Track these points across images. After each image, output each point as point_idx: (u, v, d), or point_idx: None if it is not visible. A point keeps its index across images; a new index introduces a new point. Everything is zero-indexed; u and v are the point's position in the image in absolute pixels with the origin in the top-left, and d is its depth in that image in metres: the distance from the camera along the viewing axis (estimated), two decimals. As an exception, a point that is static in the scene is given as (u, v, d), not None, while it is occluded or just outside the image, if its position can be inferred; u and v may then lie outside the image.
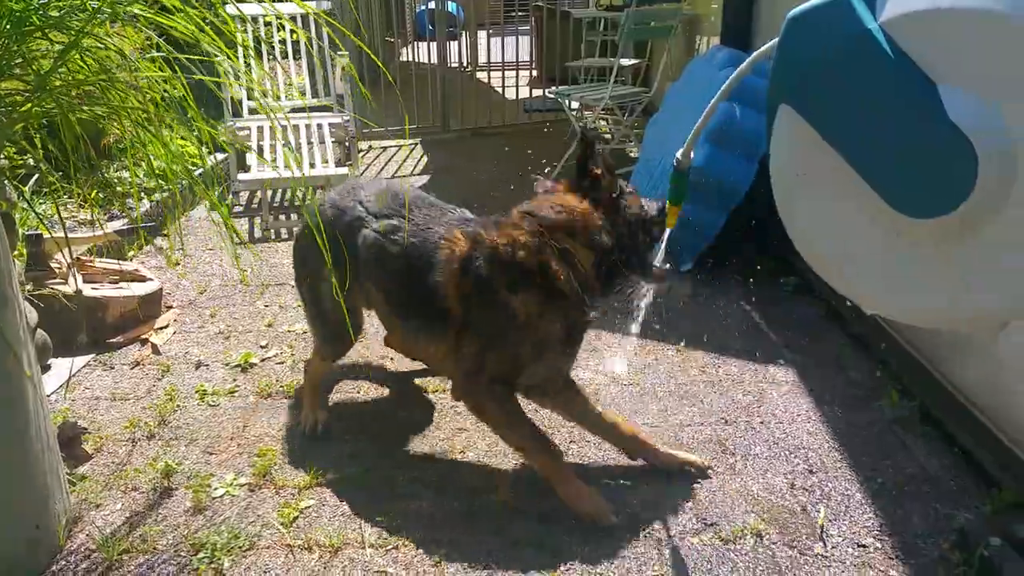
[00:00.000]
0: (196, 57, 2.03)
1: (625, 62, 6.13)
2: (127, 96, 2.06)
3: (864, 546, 2.24)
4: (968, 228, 1.43)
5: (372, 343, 3.47)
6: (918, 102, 1.43)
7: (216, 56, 2.02)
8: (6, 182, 3.56)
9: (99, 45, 1.96)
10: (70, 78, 2.01)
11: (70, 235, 4.13)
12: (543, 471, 2.41)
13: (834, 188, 1.61)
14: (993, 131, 1.34)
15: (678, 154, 2.13)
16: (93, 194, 3.10)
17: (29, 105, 1.96)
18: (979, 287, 1.46)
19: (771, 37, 1.70)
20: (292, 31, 3.08)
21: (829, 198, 1.64)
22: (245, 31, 5.41)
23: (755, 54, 1.91)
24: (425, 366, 3.24)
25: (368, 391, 3.11)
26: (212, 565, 2.18)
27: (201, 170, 3.63)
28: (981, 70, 1.36)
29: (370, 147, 7.25)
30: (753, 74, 2.01)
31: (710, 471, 2.56)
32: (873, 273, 1.62)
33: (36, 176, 4.03)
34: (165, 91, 2.04)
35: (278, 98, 5.91)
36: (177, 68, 2.02)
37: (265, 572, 2.16)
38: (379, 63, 2.37)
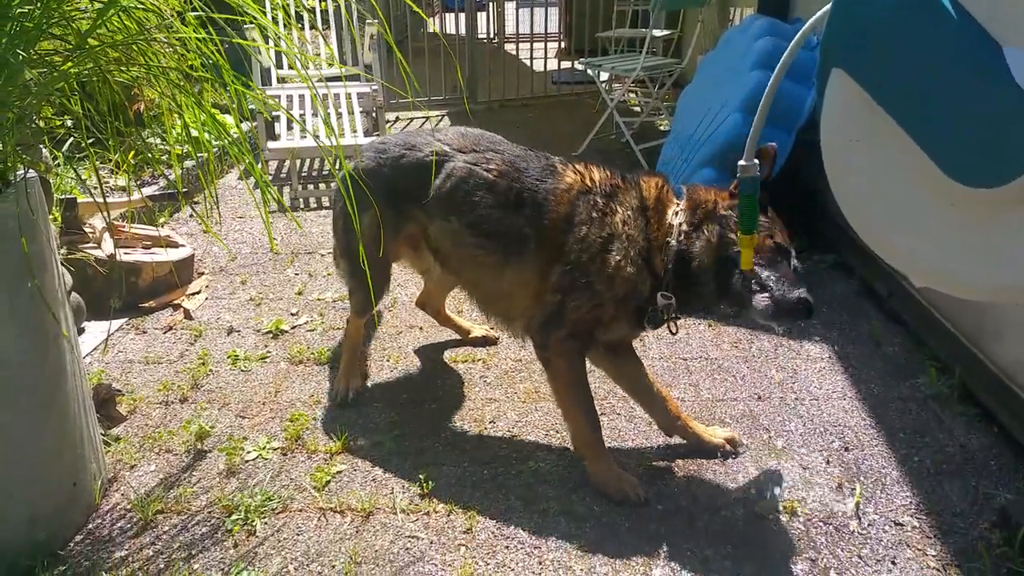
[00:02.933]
0: (232, 17, 2.00)
1: (657, 32, 6.03)
2: (165, 57, 2.05)
3: (901, 525, 2.21)
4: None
5: (402, 313, 3.46)
6: (981, 65, 1.37)
7: (252, 17, 1.99)
8: (43, 147, 3.58)
9: (138, 5, 1.95)
10: (108, 38, 2.00)
11: (106, 200, 4.15)
12: (580, 443, 2.39)
13: (887, 156, 1.57)
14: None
15: (741, 161, 2.03)
16: (128, 159, 3.11)
17: (69, 64, 1.95)
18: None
19: (808, 5, 1.65)
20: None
21: (881, 166, 1.59)
22: (276, -2, 5.39)
23: (806, 26, 1.85)
24: (457, 335, 3.23)
25: (399, 360, 3.11)
26: (245, 527, 2.19)
27: (236, 136, 3.62)
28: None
29: (397, 118, 7.21)
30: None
31: (744, 448, 2.53)
32: (925, 244, 1.57)
33: (71, 140, 4.04)
34: (201, 51, 2.02)
35: (306, 67, 5.88)
36: (212, 30, 2.00)
37: (298, 534, 2.17)
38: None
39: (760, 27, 4.20)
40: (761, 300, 2.13)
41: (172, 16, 2.09)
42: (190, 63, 2.05)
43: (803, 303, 2.11)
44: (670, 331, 2.35)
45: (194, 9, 2.05)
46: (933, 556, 2.10)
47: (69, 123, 3.32)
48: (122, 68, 2.07)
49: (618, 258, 2.25)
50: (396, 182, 2.54)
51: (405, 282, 3.68)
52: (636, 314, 2.32)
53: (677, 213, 2.30)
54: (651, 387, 2.54)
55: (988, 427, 2.59)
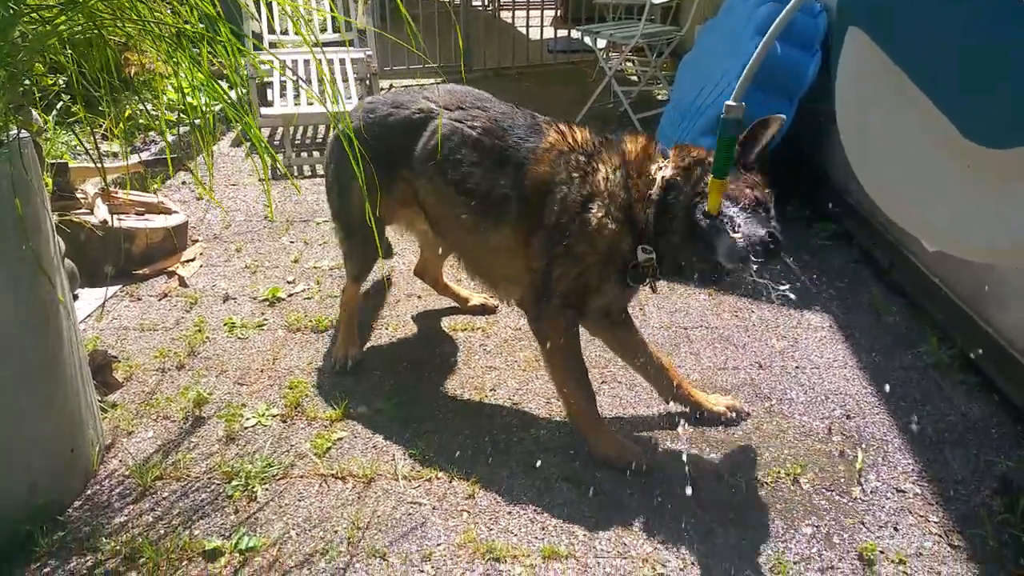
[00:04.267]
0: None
1: (656, 0, 5.94)
2: (159, 12, 1.99)
3: (903, 491, 2.21)
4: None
5: (401, 282, 3.43)
6: (1003, 22, 1.34)
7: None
8: (32, 110, 3.51)
9: (132, -42, 1.89)
10: (103, -7, 1.94)
11: (97, 166, 4.09)
12: (575, 416, 2.38)
13: (903, 117, 1.54)
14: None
15: (728, 101, 1.97)
16: (123, 120, 3.05)
17: (60, 19, 1.90)
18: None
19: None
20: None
21: (897, 128, 1.57)
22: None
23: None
24: (456, 303, 3.20)
25: (398, 329, 3.08)
26: (246, 493, 2.18)
27: (234, 98, 3.53)
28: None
29: (391, 85, 7.12)
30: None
31: (746, 415, 2.53)
32: (939, 207, 1.55)
33: (60, 104, 3.97)
34: (197, 5, 1.97)
35: (309, 21, 5.79)
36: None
37: (299, 500, 2.15)
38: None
39: (761, -6, 4.14)
40: (725, 240, 2.05)
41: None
42: (185, 19, 2.00)
43: (770, 237, 2.01)
44: (652, 289, 2.32)
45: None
46: (935, 522, 2.10)
47: (62, 82, 3.27)
48: (117, 24, 2.01)
49: (599, 215, 2.21)
50: (385, 141, 2.49)
51: (403, 251, 3.64)
52: (623, 274, 2.28)
53: (661, 168, 2.24)
54: (650, 355, 2.52)
55: (989, 395, 2.59)
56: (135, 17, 1.98)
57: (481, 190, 2.35)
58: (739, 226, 2.04)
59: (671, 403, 2.55)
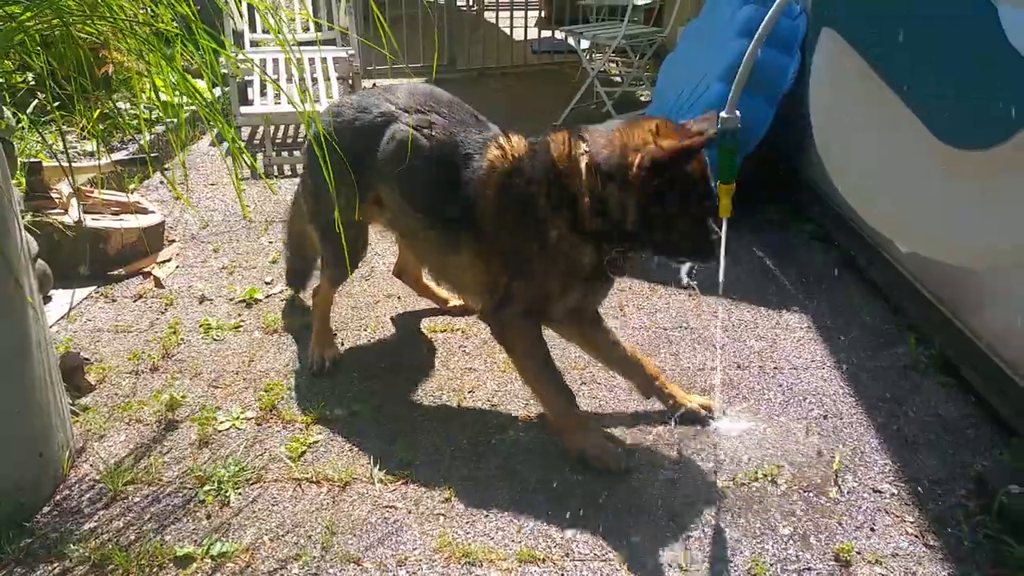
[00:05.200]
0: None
1: (639, 1, 5.95)
2: (132, 10, 1.97)
3: (880, 492, 2.21)
4: (1013, 163, 1.36)
5: (380, 282, 3.41)
6: (975, 26, 1.34)
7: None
8: (3, 107, 3.46)
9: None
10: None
11: (72, 165, 4.04)
12: (553, 417, 2.36)
13: (876, 119, 1.54)
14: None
15: (723, 113, 1.99)
16: (94, 120, 3.01)
17: (27, 15, 1.86)
18: (1015, 226, 1.40)
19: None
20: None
21: (870, 130, 1.57)
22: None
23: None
24: (435, 304, 3.18)
25: (376, 329, 3.06)
26: (219, 497, 2.15)
27: (208, 100, 3.48)
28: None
29: (374, 85, 7.08)
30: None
31: (719, 415, 2.52)
32: (912, 209, 1.56)
33: (35, 103, 3.92)
34: (172, 6, 1.94)
35: (292, 19, 5.75)
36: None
37: (273, 505, 2.13)
38: None
39: (742, -5, 4.14)
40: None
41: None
42: (160, 16, 1.97)
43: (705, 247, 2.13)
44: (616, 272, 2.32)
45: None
46: (911, 523, 2.10)
47: (31, 80, 3.22)
48: (88, 22, 1.98)
49: (551, 235, 2.21)
50: (353, 145, 2.45)
51: (383, 251, 3.61)
52: (587, 279, 2.29)
53: (587, 169, 2.19)
54: (625, 352, 2.52)
55: (965, 396, 2.60)
56: (107, 14, 1.95)
57: (435, 208, 2.38)
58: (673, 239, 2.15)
59: (651, 398, 2.53)
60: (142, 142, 4.45)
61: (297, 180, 4.66)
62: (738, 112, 2.01)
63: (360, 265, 2.80)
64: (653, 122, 2.17)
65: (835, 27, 1.56)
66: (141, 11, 2.02)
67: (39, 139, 4.06)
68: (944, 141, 1.43)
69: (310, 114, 2.19)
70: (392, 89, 2.59)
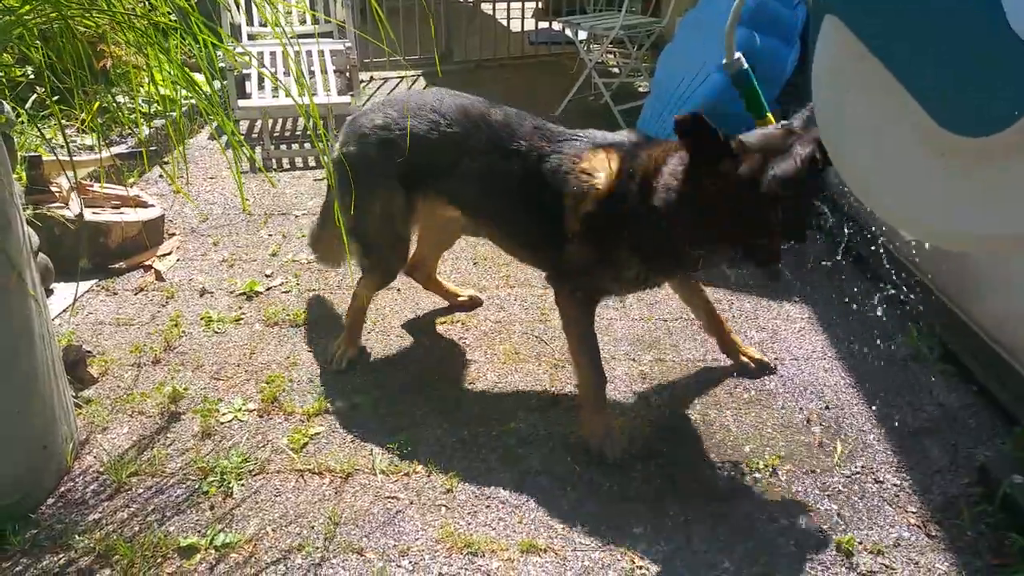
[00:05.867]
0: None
1: (637, -8, 5.94)
2: (131, 3, 1.96)
3: (881, 482, 2.22)
4: (1015, 149, 1.35)
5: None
6: (977, 11, 1.34)
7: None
8: (3, 101, 3.45)
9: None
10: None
11: (71, 158, 4.03)
12: (582, 389, 2.43)
13: (879, 106, 1.53)
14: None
15: (723, 61, 2.03)
16: (93, 113, 3.00)
17: (26, 8, 1.86)
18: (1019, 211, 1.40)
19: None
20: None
21: (873, 116, 1.56)
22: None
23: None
24: (444, 300, 3.16)
25: (377, 323, 3.06)
26: (222, 489, 2.15)
27: (208, 92, 3.47)
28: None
29: (371, 77, 7.07)
30: (776, 1, 1.91)
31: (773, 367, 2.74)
32: (916, 196, 1.55)
33: (34, 97, 3.91)
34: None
35: (289, 13, 5.74)
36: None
37: (276, 496, 2.13)
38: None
39: (741, -15, 4.13)
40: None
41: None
42: (159, 10, 1.96)
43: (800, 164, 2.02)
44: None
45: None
46: (913, 513, 2.11)
47: (31, 74, 3.21)
48: (86, 15, 1.97)
49: (632, 238, 2.25)
50: (408, 155, 2.43)
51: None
52: (668, 265, 2.36)
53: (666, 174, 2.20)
54: (710, 307, 2.73)
55: (967, 386, 2.60)
56: (105, 7, 1.95)
57: (516, 221, 2.49)
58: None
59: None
60: (139, 136, 4.44)
61: (295, 173, 4.68)
62: (738, 54, 2.04)
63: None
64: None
65: (837, 14, 1.56)
66: (139, 4, 2.02)
67: (39, 133, 4.05)
68: (948, 128, 1.43)
69: (303, 108, 2.17)
70: (438, 99, 2.55)
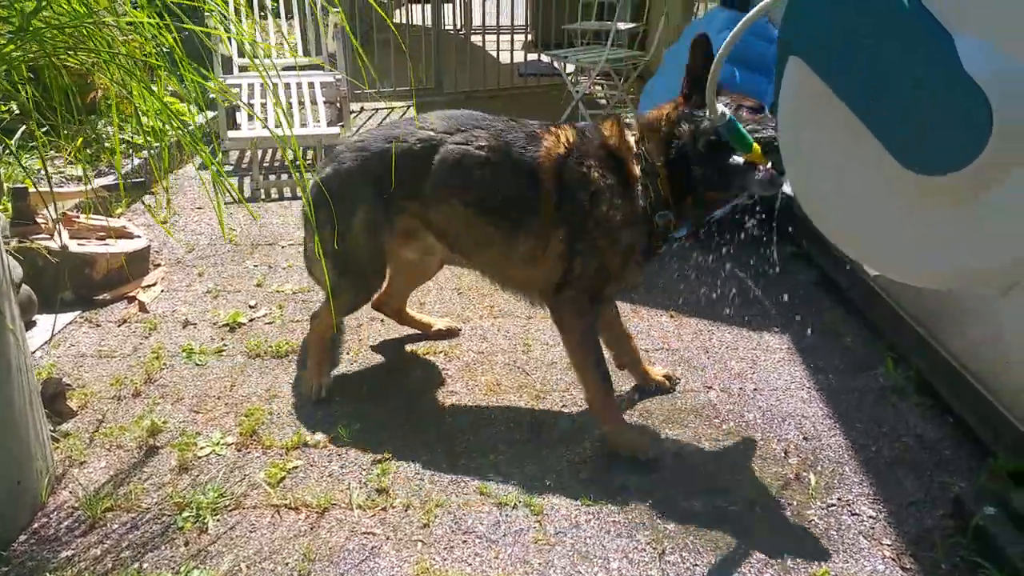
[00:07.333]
0: (190, 2, 1.95)
1: (622, 25, 6.02)
2: (115, 42, 1.99)
3: (857, 515, 2.22)
4: (979, 185, 1.38)
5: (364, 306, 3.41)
6: (933, 53, 1.37)
7: (207, 4, 1.94)
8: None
9: (84, -14, 1.88)
10: (55, 20, 1.93)
11: (57, 190, 4.05)
12: (592, 399, 2.49)
13: (843, 145, 1.57)
14: (1009, 82, 1.29)
15: (708, 117, 2.11)
16: (77, 146, 3.03)
17: (11, 47, 1.88)
18: (987, 246, 1.42)
19: (774, -2, 1.65)
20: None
21: (837, 155, 1.60)
22: (236, -15, 5.29)
23: (754, 10, 1.84)
24: (419, 331, 3.18)
25: (358, 353, 3.07)
26: (197, 524, 2.15)
27: (191, 126, 3.50)
28: (998, 19, 1.31)
29: (362, 108, 7.13)
30: (755, 37, 1.95)
31: (679, 380, 2.85)
32: (879, 232, 1.58)
33: (23, 129, 3.94)
34: (155, 37, 1.97)
35: (269, 55, 5.80)
36: (167, 16, 1.95)
37: (250, 532, 2.12)
38: (384, 16, 2.30)
39: (722, 20, 4.19)
40: (754, 175, 2.21)
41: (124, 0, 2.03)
42: (145, 49, 2.00)
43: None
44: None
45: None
46: (888, 545, 2.11)
47: (15, 110, 3.24)
48: (70, 53, 2.00)
49: (606, 210, 2.35)
50: (385, 176, 2.46)
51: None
52: (644, 250, 2.43)
53: (640, 140, 2.41)
54: (624, 330, 2.80)
55: (944, 416, 2.62)
56: (92, 45, 1.97)
57: (502, 205, 2.47)
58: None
59: (624, 369, 2.83)
60: (128, 167, 4.47)
61: (284, 203, 4.71)
62: (721, 107, 2.11)
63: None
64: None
65: (801, 55, 1.59)
66: (124, 42, 2.04)
67: (24, 166, 4.08)
68: (907, 166, 1.46)
69: (293, 139, 2.20)
70: (422, 118, 2.61)
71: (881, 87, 1.48)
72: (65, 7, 1.91)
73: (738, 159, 2.21)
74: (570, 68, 6.36)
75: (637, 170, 2.38)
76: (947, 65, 1.35)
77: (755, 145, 2.14)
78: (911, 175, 1.46)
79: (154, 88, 2.06)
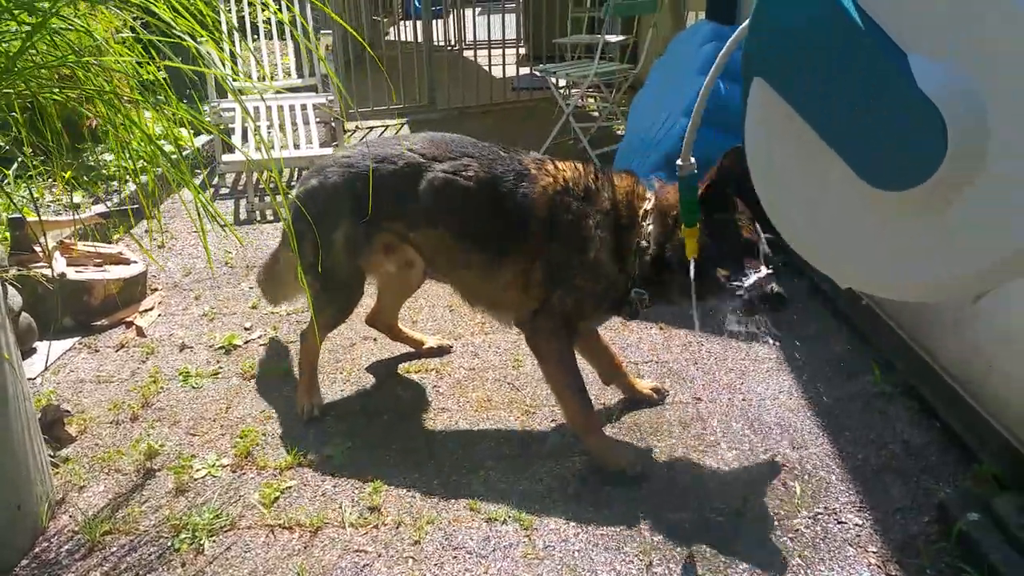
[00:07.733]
0: (173, 39, 2.00)
1: (611, 38, 6.08)
2: (99, 79, 2.04)
3: (843, 522, 2.26)
4: (938, 200, 1.42)
5: (357, 325, 3.45)
6: (888, 72, 1.42)
7: (192, 41, 1.99)
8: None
9: (68, 27, 1.94)
10: (40, 59, 1.99)
11: (54, 218, 4.11)
12: (574, 421, 2.53)
13: (808, 162, 1.61)
14: (963, 100, 1.33)
15: (679, 161, 2.07)
16: (69, 176, 3.09)
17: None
18: (948, 258, 1.46)
19: (758, 10, 1.69)
20: (276, 11, 3.05)
21: (803, 171, 1.64)
22: (229, 10, 5.36)
23: (739, 30, 1.89)
24: (411, 348, 3.23)
25: (351, 372, 3.11)
26: (193, 546, 2.19)
27: (187, 150, 3.56)
28: (951, 37, 1.35)
29: (356, 127, 7.21)
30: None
31: (667, 392, 2.89)
32: (845, 246, 1.62)
33: (20, 159, 4.00)
34: (139, 74, 2.02)
35: (263, 79, 5.87)
36: (154, 52, 2.00)
37: (246, 552, 2.16)
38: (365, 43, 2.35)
39: (706, 33, 4.26)
40: (734, 302, 2.31)
41: (107, 38, 2.09)
42: (129, 84, 2.05)
43: (773, 293, 2.33)
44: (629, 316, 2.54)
45: (132, 31, 2.06)
46: (874, 553, 2.14)
47: (7, 146, 3.30)
48: (56, 91, 2.06)
49: (593, 257, 2.40)
50: (368, 195, 2.48)
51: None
52: (614, 304, 2.49)
53: (647, 215, 2.42)
54: (606, 348, 2.85)
55: (930, 423, 2.65)
56: (81, 77, 2.03)
57: (485, 235, 2.51)
58: (743, 286, 2.30)
59: (611, 384, 2.88)
60: (123, 194, 4.52)
61: (280, 225, 4.75)
62: (693, 159, 2.09)
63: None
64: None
65: (763, 75, 1.64)
66: (108, 80, 2.10)
67: (22, 196, 4.14)
68: (868, 182, 1.50)
69: (283, 160, 2.25)
70: (408, 137, 2.66)
71: (837, 105, 1.53)
72: (50, 47, 1.97)
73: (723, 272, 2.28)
74: (561, 82, 6.42)
75: (632, 241, 2.41)
76: (901, 83, 1.40)
77: (696, 225, 2.13)
78: (872, 192, 1.51)
79: (140, 122, 2.12)
